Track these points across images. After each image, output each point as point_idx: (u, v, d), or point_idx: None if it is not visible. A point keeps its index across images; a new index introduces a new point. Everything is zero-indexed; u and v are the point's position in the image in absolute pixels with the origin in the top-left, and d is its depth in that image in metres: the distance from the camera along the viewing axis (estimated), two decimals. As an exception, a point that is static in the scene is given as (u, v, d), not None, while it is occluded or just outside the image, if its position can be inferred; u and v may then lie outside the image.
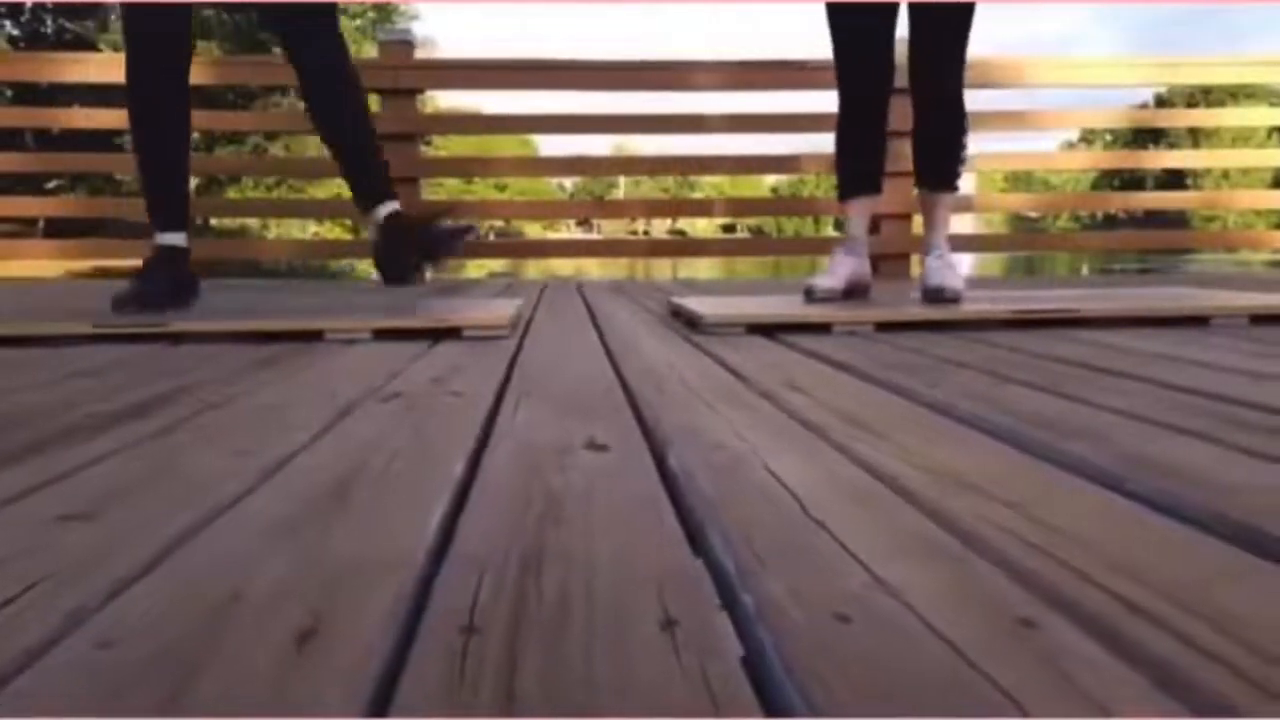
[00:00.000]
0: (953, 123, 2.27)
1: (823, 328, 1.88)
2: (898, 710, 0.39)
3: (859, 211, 2.37)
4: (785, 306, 2.19)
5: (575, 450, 0.87)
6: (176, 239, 2.23)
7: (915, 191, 2.41)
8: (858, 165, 2.36)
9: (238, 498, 0.72)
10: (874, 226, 4.78)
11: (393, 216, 2.40)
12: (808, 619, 0.48)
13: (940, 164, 2.30)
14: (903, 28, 2.27)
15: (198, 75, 5.26)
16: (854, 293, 2.32)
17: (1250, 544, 0.59)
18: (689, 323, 2.04)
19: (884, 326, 1.90)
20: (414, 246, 2.42)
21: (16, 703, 0.41)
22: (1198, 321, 1.95)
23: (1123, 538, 0.61)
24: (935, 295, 2.15)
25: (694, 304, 2.13)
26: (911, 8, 2.19)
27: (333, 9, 2.37)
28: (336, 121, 2.39)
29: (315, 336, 1.80)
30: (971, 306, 2.11)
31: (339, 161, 2.45)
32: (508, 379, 1.31)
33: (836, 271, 2.31)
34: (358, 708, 0.40)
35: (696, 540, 0.62)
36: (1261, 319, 1.95)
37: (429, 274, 4.87)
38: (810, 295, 2.25)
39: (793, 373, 1.34)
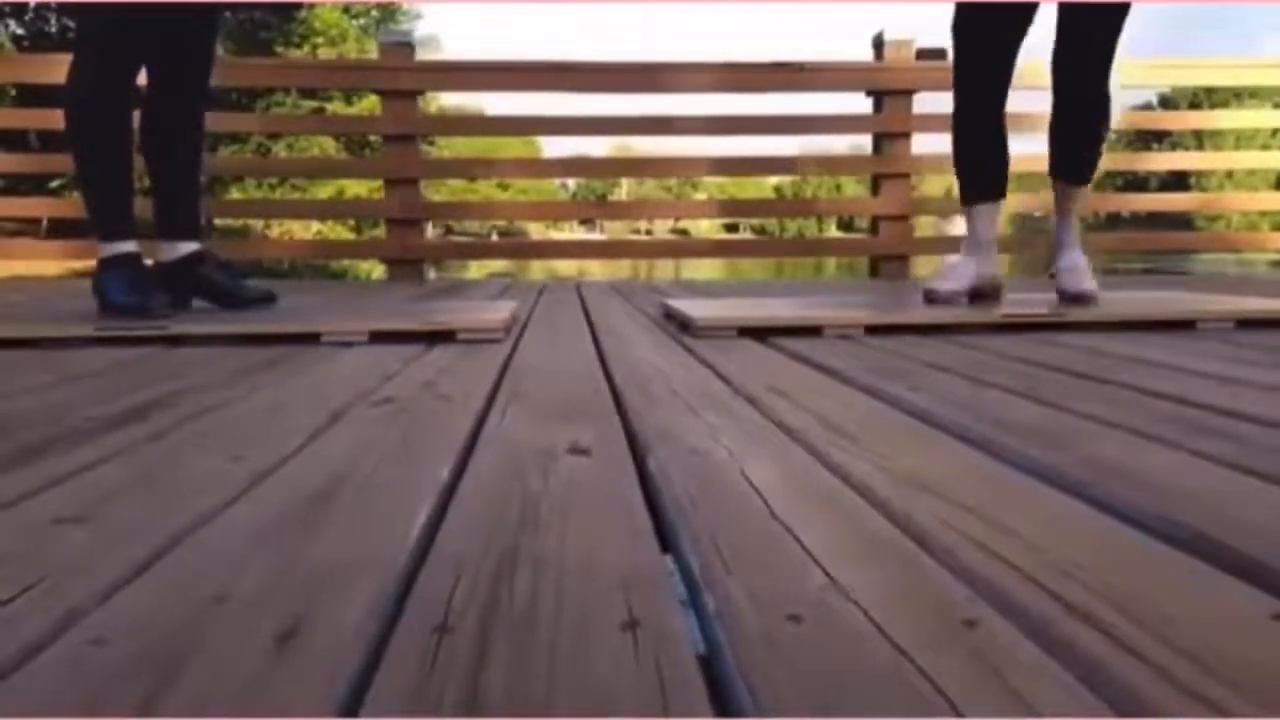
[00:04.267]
0: (1099, 118, 2.25)
1: (814, 331, 1.91)
2: (839, 707, 0.42)
3: (983, 215, 2.33)
4: (777, 309, 2.21)
5: (558, 454, 0.89)
6: (129, 246, 2.16)
7: (1051, 183, 2.37)
8: (980, 170, 2.34)
9: (229, 502, 0.74)
10: (873, 227, 4.82)
11: (195, 256, 2.29)
12: (762, 619, 0.50)
13: (1079, 157, 2.28)
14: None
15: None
16: (983, 295, 2.29)
17: (1196, 549, 0.61)
18: (682, 325, 2.06)
19: (874, 329, 1.93)
20: (201, 289, 2.28)
21: (13, 697, 0.43)
22: (1185, 326, 1.97)
23: (1074, 541, 0.63)
24: (1076, 299, 2.16)
25: (686, 307, 2.16)
26: (1062, 5, 2.18)
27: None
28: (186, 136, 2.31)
29: (313, 339, 1.83)
30: (960, 310, 2.13)
31: (167, 180, 2.32)
32: (498, 383, 1.34)
33: (961, 273, 2.28)
34: (333, 704, 0.42)
35: (667, 542, 0.65)
36: (1247, 323, 1.98)
37: (432, 274, 4.90)
38: (932, 298, 2.21)
39: (778, 377, 1.37)
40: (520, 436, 0.98)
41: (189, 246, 2.28)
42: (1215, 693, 0.43)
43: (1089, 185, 2.33)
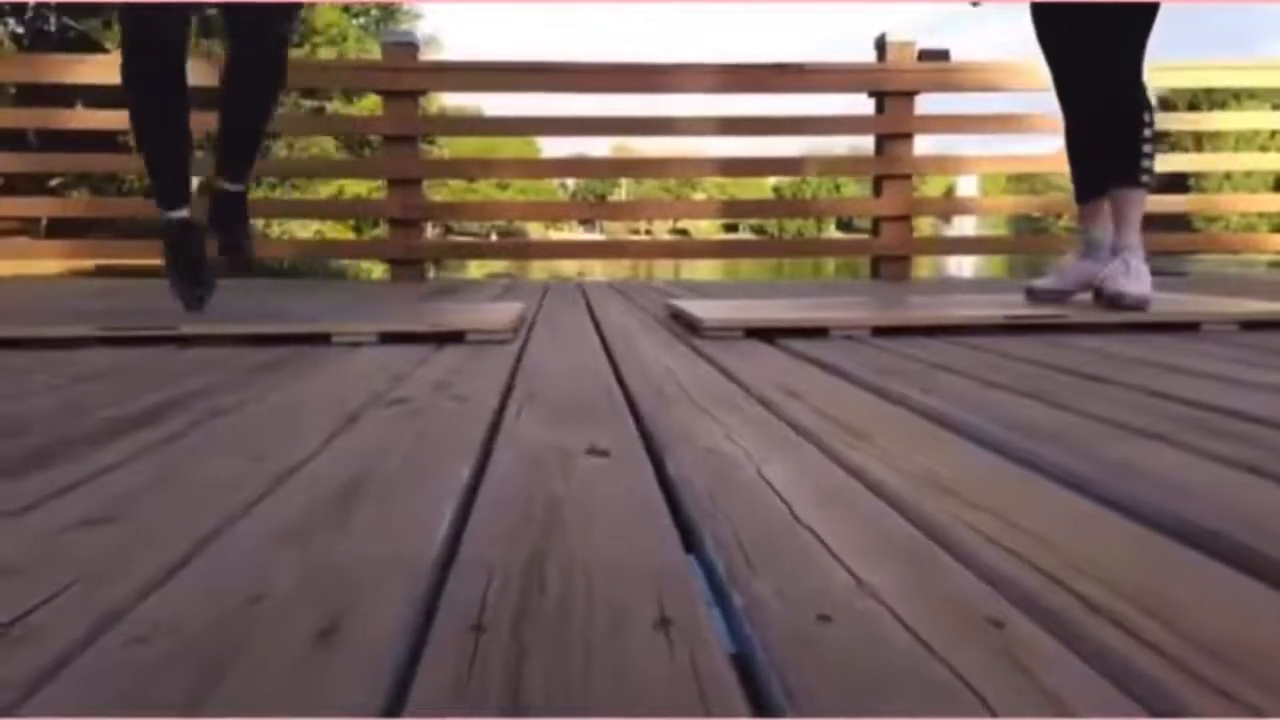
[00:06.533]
0: (1128, 115, 2.24)
1: (820, 331, 1.92)
2: (872, 704, 0.43)
3: (1092, 214, 2.36)
4: (783, 310, 2.22)
5: (577, 455, 0.90)
6: (183, 213, 2.27)
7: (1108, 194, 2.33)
8: (1086, 168, 2.36)
9: (253, 502, 0.75)
10: (875, 228, 4.83)
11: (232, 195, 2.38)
12: (792, 618, 0.51)
13: (1119, 157, 2.26)
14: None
15: (200, 76, 5.26)
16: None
17: (1207, 547, 0.63)
18: (688, 326, 2.07)
19: (880, 331, 1.93)
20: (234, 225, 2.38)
21: (60, 695, 0.44)
22: (1189, 327, 1.99)
23: (1088, 540, 0.64)
24: (1114, 302, 2.12)
25: (693, 307, 2.17)
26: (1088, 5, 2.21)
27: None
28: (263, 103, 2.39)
29: (322, 340, 1.84)
30: (966, 311, 2.14)
31: (232, 134, 2.39)
32: (511, 384, 1.34)
33: (1065, 274, 2.33)
34: (378, 702, 0.43)
35: (690, 542, 0.65)
36: (1251, 325, 1.99)
37: (431, 274, 4.91)
38: (1031, 295, 2.26)
39: (788, 378, 1.38)
40: (537, 438, 0.99)
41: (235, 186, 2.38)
42: (1235, 686, 0.44)
43: (1138, 188, 2.25)
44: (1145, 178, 2.25)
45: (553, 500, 0.75)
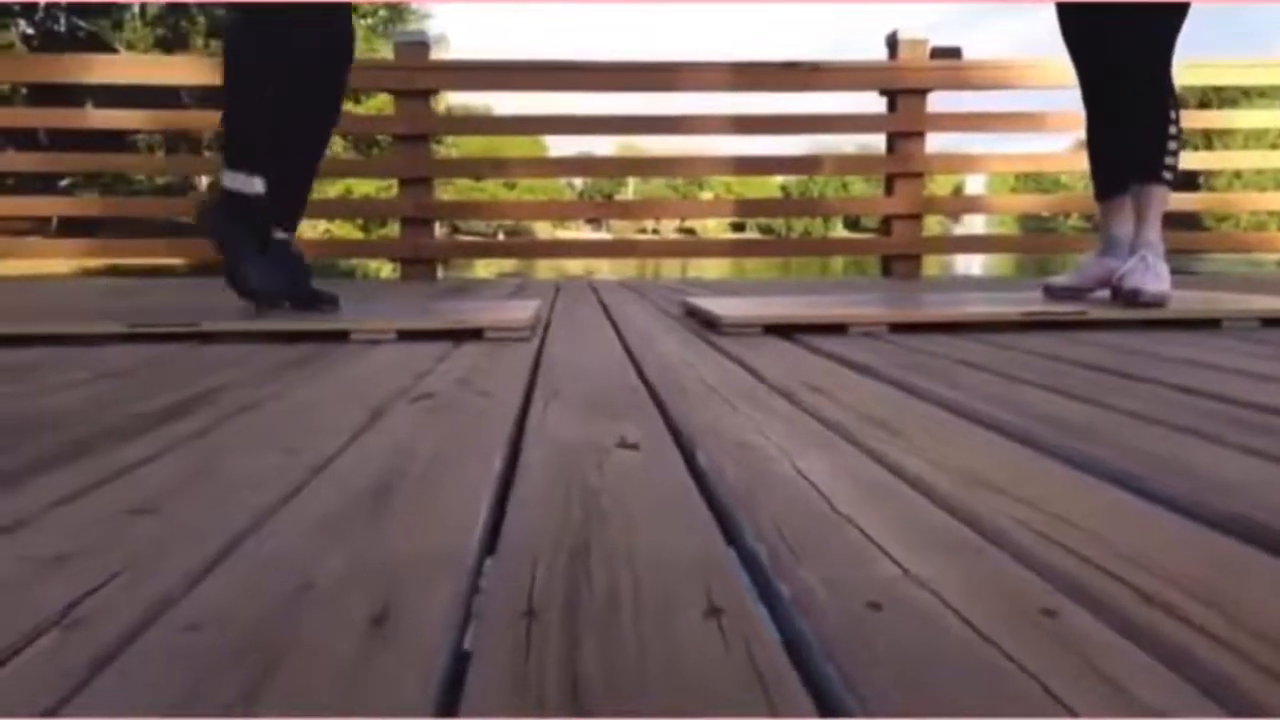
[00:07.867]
0: (1156, 112, 2.23)
1: (839, 328, 1.91)
2: (934, 692, 0.42)
3: (1112, 212, 2.37)
4: (800, 307, 2.22)
5: (608, 449, 0.90)
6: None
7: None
8: (1109, 165, 2.38)
9: (289, 495, 0.75)
10: (886, 226, 4.82)
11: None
12: (842, 607, 0.51)
13: (1144, 153, 2.25)
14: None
15: (204, 75, 5.27)
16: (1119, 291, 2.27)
17: (1250, 538, 0.62)
18: (705, 323, 2.07)
19: (898, 327, 1.93)
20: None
21: (117, 683, 0.44)
22: (1209, 324, 1.98)
23: (1131, 532, 0.64)
24: (1130, 298, 2.10)
25: (711, 304, 2.16)
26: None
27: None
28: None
29: (341, 337, 1.84)
30: (984, 308, 2.14)
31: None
32: (533, 379, 1.35)
33: (1083, 271, 2.36)
34: (434, 692, 0.43)
35: (730, 533, 0.65)
36: (1272, 322, 1.98)
37: (439, 273, 4.91)
38: (1049, 292, 2.32)
39: (811, 373, 1.37)
40: (566, 432, 0.99)
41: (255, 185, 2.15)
42: (1299, 678, 0.43)
43: (1159, 184, 2.24)
44: (1168, 174, 2.24)
45: (589, 492, 0.75)
